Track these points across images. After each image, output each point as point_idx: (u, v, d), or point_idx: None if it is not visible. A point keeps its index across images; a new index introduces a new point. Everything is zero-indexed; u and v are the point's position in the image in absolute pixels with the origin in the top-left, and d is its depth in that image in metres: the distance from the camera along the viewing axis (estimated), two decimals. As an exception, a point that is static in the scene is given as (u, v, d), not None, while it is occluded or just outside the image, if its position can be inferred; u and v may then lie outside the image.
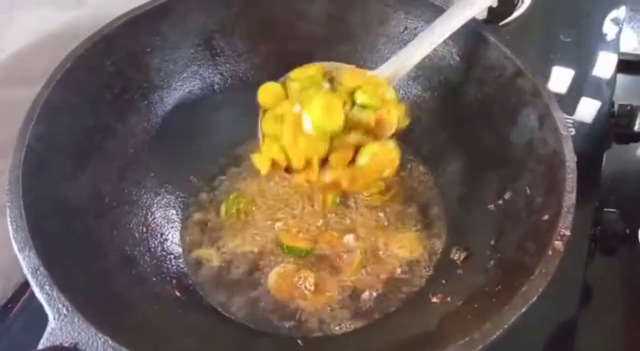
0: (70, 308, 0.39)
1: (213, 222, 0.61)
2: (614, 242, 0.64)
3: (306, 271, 0.56)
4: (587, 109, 0.75)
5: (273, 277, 0.56)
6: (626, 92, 0.81)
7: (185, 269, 0.57)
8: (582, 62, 0.81)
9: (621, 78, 0.81)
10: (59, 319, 0.38)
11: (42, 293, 0.39)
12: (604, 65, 0.81)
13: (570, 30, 0.85)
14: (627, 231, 0.65)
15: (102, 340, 0.37)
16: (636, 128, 0.75)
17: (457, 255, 0.56)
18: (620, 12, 0.87)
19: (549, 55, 0.82)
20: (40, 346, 0.37)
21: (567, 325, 0.57)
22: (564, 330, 0.57)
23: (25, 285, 0.64)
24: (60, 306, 0.39)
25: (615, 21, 0.87)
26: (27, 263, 0.41)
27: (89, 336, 0.38)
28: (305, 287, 0.55)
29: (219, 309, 0.54)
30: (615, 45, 0.83)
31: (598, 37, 0.84)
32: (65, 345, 0.37)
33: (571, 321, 0.57)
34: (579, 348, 0.55)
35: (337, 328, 0.53)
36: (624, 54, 0.83)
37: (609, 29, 0.85)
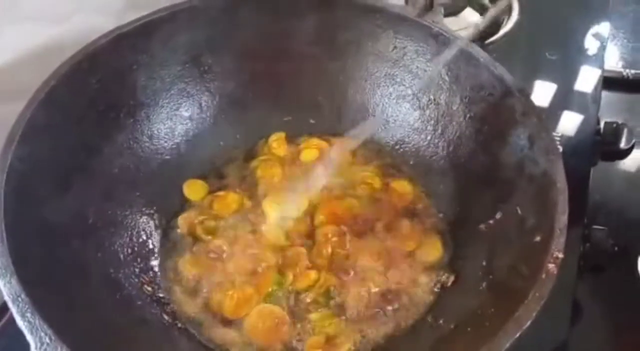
0: (52, 337, 0.37)
1: (196, 243, 0.59)
2: (603, 259, 0.64)
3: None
4: (570, 123, 0.76)
5: (253, 315, 0.54)
6: (611, 109, 0.82)
7: (170, 294, 0.55)
8: (566, 78, 0.82)
9: (606, 95, 0.82)
10: (41, 348, 0.37)
11: (24, 321, 0.38)
12: (586, 80, 0.82)
13: (554, 47, 0.86)
14: (616, 248, 0.65)
15: (86, 370, 0.36)
16: (622, 145, 0.76)
17: (444, 277, 0.55)
18: (602, 27, 0.89)
19: (534, 72, 0.83)
20: (21, 378, 0.36)
21: (557, 342, 0.56)
22: (554, 348, 0.56)
23: (6, 306, 0.62)
24: (42, 334, 0.37)
25: (597, 36, 0.88)
26: (8, 289, 0.39)
27: (72, 367, 0.36)
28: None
29: (200, 338, 0.52)
30: (597, 60, 0.84)
31: (580, 52, 0.86)
32: (48, 376, 0.36)
33: (561, 339, 0.56)
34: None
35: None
36: (608, 71, 0.84)
37: (590, 44, 0.87)
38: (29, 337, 0.38)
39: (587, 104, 0.79)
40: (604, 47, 0.86)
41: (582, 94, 0.80)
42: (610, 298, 0.63)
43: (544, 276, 0.42)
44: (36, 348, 0.37)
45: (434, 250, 0.58)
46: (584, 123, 0.76)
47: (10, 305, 0.39)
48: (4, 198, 0.43)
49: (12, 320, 0.58)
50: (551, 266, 0.42)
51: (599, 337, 0.60)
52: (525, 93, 0.53)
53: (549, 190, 0.47)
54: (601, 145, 0.76)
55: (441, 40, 0.58)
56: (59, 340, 0.37)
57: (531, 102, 0.52)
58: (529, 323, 0.40)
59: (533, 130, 0.51)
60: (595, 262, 0.64)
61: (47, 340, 0.37)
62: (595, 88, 0.81)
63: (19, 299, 0.39)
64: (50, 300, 0.41)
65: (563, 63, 0.84)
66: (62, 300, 0.43)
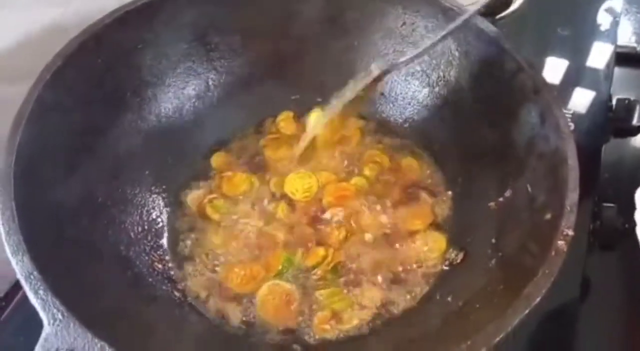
0: (65, 313, 0.38)
1: (207, 223, 0.59)
2: (613, 237, 0.64)
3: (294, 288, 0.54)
4: (582, 100, 0.75)
5: (264, 291, 0.54)
6: (624, 85, 0.81)
7: (180, 271, 0.56)
8: (577, 54, 0.81)
9: (619, 71, 0.80)
10: (54, 324, 0.37)
11: (37, 298, 0.38)
12: (598, 56, 0.80)
13: (566, 23, 0.84)
14: (626, 226, 0.64)
15: (99, 345, 0.37)
16: (634, 122, 0.75)
17: (453, 255, 0.55)
18: (615, 2, 0.87)
19: (545, 48, 0.81)
20: (35, 352, 0.37)
21: (567, 319, 0.56)
22: (563, 325, 0.56)
23: (19, 284, 0.63)
24: (55, 311, 0.38)
25: (610, 11, 0.86)
26: (20, 267, 0.40)
27: (85, 342, 0.37)
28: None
29: (210, 316, 0.53)
30: (609, 35, 0.82)
31: (592, 27, 0.84)
32: (61, 351, 0.36)
33: (571, 316, 0.56)
34: (579, 343, 0.55)
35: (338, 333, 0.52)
36: (621, 46, 0.83)
37: (603, 19, 0.85)
38: (41, 314, 0.38)
39: (599, 81, 0.78)
40: (616, 22, 0.85)
41: (594, 71, 0.79)
42: (620, 276, 0.63)
43: (553, 253, 0.41)
44: (49, 324, 0.38)
45: (441, 228, 0.58)
46: (595, 100, 0.75)
47: (22, 282, 0.39)
48: (14, 178, 0.43)
49: (24, 298, 0.60)
50: (561, 243, 0.42)
51: (608, 313, 0.60)
52: (537, 69, 0.52)
53: (560, 167, 0.46)
54: (613, 122, 0.75)
55: (451, 15, 0.57)
56: (71, 316, 0.38)
57: (542, 79, 0.51)
58: (538, 300, 0.40)
59: (544, 107, 0.50)
60: (605, 239, 0.63)
61: (60, 316, 0.38)
62: (608, 64, 0.79)
63: (32, 277, 0.39)
64: (61, 277, 0.41)
65: (575, 39, 0.83)
66: (73, 278, 0.43)
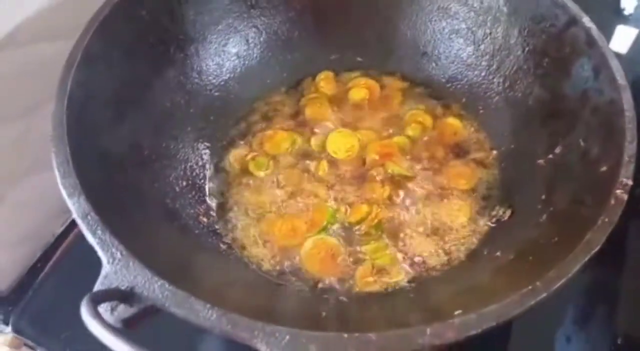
0: (124, 252, 0.38)
1: (250, 179, 0.59)
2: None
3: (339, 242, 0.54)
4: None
5: (309, 245, 0.54)
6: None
7: (225, 225, 0.56)
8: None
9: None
10: (114, 263, 0.37)
11: (95, 237, 0.38)
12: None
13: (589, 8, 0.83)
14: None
15: (159, 283, 0.36)
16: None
17: (501, 212, 0.55)
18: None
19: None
20: (95, 289, 0.37)
21: (605, 290, 0.56)
22: (602, 295, 0.56)
23: (55, 246, 0.64)
24: (114, 250, 0.38)
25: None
26: (77, 208, 0.39)
27: (145, 280, 0.37)
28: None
29: (256, 268, 0.53)
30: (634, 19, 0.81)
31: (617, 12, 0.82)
32: (122, 288, 0.36)
33: (610, 287, 0.56)
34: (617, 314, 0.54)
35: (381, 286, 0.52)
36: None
37: (627, 4, 0.83)
38: (100, 253, 0.38)
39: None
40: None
41: (637, 44, 0.77)
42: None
43: (613, 202, 0.41)
44: (108, 263, 0.37)
45: (486, 187, 0.58)
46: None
47: (80, 222, 0.39)
48: (67, 122, 0.43)
49: (60, 257, 0.61)
50: (620, 192, 0.41)
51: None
52: (590, 21, 0.51)
53: (616, 119, 0.45)
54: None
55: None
56: (130, 254, 0.38)
57: (596, 31, 0.50)
58: (598, 247, 0.39)
59: (598, 60, 0.49)
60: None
61: (119, 255, 0.38)
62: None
63: (89, 217, 0.39)
64: (116, 220, 0.41)
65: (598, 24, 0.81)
66: (126, 222, 0.43)
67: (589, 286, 0.57)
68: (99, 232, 0.39)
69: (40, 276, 0.61)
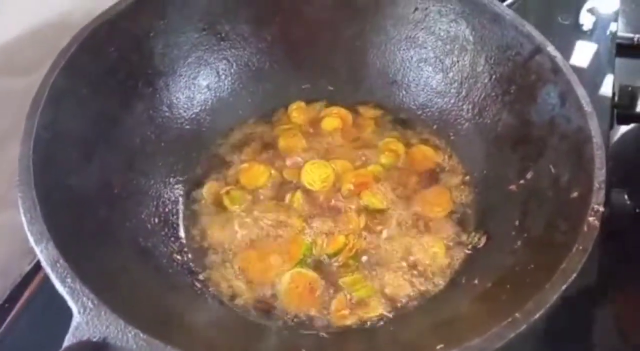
0: (95, 301, 0.36)
1: (224, 214, 0.58)
2: (624, 221, 0.64)
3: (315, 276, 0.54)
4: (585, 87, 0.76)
5: (287, 279, 0.53)
6: (624, 75, 0.82)
7: (200, 262, 0.55)
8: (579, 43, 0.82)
9: (619, 61, 0.81)
10: (85, 313, 0.36)
11: (65, 286, 0.37)
12: (600, 44, 0.82)
13: (567, 12, 0.85)
14: (637, 210, 0.64)
15: (133, 332, 0.35)
16: (638, 109, 0.76)
17: (476, 239, 0.55)
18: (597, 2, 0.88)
19: (546, 37, 0.82)
20: (66, 343, 0.35)
21: (582, 305, 0.56)
22: (579, 309, 0.56)
23: (23, 284, 0.61)
24: (85, 299, 0.36)
25: (609, 2, 0.88)
26: (45, 255, 0.38)
27: (118, 330, 0.35)
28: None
29: (232, 305, 0.52)
30: (609, 25, 0.84)
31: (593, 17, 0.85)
32: (94, 340, 0.35)
33: (587, 302, 0.56)
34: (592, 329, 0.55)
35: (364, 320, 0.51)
36: (620, 37, 0.84)
37: (603, 10, 0.86)
38: (71, 303, 0.37)
39: (600, 70, 0.79)
40: (616, 12, 0.86)
41: (595, 61, 0.80)
42: (632, 261, 0.63)
43: (586, 229, 0.41)
44: (79, 312, 0.36)
45: (461, 214, 0.58)
46: (598, 89, 0.76)
47: (48, 271, 0.38)
48: (33, 165, 0.42)
49: (32, 295, 0.58)
50: (592, 219, 0.42)
51: (618, 300, 0.60)
52: (555, 50, 0.52)
53: (585, 145, 0.46)
54: (616, 108, 0.76)
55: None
56: (101, 303, 0.36)
57: (561, 59, 0.51)
58: (574, 275, 0.39)
59: (564, 87, 0.50)
60: (616, 224, 0.63)
61: (90, 304, 0.36)
62: (610, 52, 0.80)
63: (58, 264, 0.38)
64: (86, 266, 0.40)
65: (575, 28, 0.84)
66: (97, 268, 0.42)
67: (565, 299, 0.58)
68: (69, 280, 0.37)
69: (7, 319, 0.59)
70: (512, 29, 0.54)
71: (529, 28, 0.53)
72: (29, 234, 0.39)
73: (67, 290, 0.37)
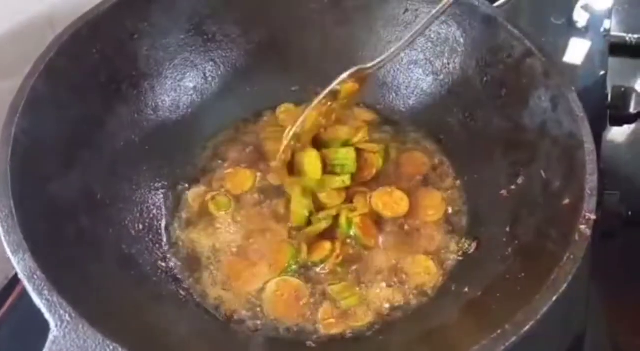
0: (73, 314, 0.35)
1: (209, 220, 0.57)
2: (617, 225, 0.63)
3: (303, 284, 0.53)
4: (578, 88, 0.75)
5: (272, 288, 0.52)
6: (617, 74, 0.81)
7: (185, 270, 0.53)
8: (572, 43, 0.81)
9: (612, 61, 0.80)
10: (62, 326, 0.35)
11: (41, 299, 0.36)
12: (593, 45, 0.81)
13: (560, 12, 0.85)
14: (629, 213, 0.64)
15: (112, 347, 0.34)
16: (631, 110, 0.75)
17: (466, 245, 0.54)
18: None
19: (540, 37, 0.81)
20: (42, 357, 0.34)
21: (575, 308, 0.56)
22: (572, 314, 0.56)
23: (4, 293, 0.60)
24: (62, 312, 0.36)
25: (602, 2, 0.87)
26: (22, 267, 0.37)
27: (96, 344, 0.35)
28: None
29: (217, 314, 0.51)
30: (602, 25, 0.83)
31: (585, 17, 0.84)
32: (71, 355, 0.34)
33: (579, 305, 0.56)
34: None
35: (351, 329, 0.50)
36: (613, 36, 0.83)
37: (595, 9, 0.85)
38: (47, 316, 0.36)
39: (594, 69, 0.78)
40: (609, 10, 0.85)
41: (589, 59, 0.79)
42: (624, 263, 0.62)
43: (577, 238, 0.41)
44: (57, 326, 0.35)
45: (452, 219, 0.57)
46: (592, 88, 0.75)
47: (25, 283, 0.37)
48: (10, 173, 0.41)
49: (14, 304, 0.57)
50: (584, 228, 0.41)
51: (610, 304, 0.59)
52: (547, 52, 0.51)
53: (576, 151, 0.46)
54: (610, 109, 0.75)
55: (456, 1, 0.55)
56: (79, 316, 0.35)
57: (553, 62, 0.51)
58: (565, 285, 0.39)
59: (556, 91, 0.49)
60: (608, 227, 0.63)
61: (68, 317, 0.35)
62: (602, 53, 0.79)
63: (35, 276, 0.37)
64: (65, 277, 0.39)
65: (569, 25, 0.83)
66: (77, 278, 0.41)
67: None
68: (46, 292, 0.36)
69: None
70: (504, 31, 0.53)
71: (521, 30, 0.52)
72: (5, 245, 0.38)
73: (44, 303, 0.36)
